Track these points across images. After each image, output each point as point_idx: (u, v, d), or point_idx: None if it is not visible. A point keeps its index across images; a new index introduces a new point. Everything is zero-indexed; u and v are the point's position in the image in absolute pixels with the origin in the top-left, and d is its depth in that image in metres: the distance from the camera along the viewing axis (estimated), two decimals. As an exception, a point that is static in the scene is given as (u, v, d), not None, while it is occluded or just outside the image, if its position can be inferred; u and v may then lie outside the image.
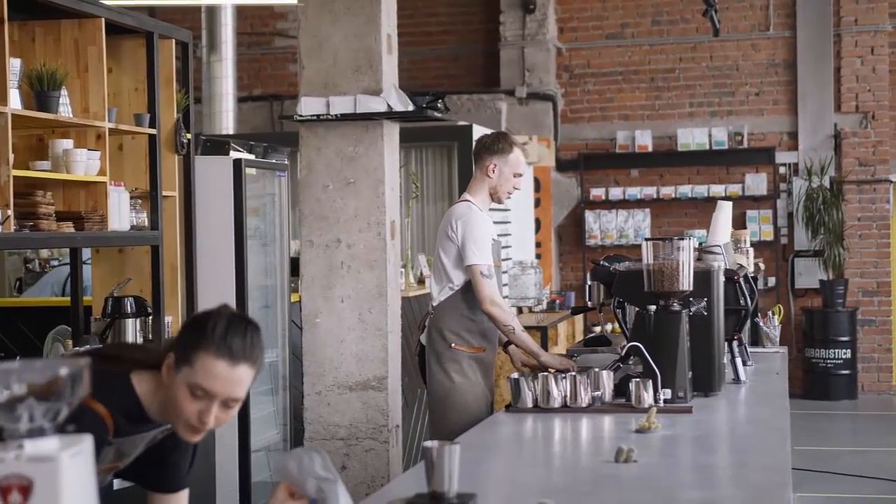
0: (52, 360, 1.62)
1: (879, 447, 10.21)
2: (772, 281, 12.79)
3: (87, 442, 1.80)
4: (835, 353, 12.46)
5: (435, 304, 5.40)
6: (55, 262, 9.22)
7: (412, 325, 7.40)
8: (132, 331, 5.50)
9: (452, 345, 5.31)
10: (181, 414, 2.63)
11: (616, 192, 13.12)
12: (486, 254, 5.25)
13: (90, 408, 2.64)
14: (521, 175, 5.46)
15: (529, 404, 4.34)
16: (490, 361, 5.45)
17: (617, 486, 3.12)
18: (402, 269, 7.80)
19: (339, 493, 2.51)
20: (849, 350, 12.48)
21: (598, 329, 12.55)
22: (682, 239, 4.48)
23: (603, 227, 13.17)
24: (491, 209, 9.31)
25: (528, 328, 9.40)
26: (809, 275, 12.80)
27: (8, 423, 1.75)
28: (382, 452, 5.74)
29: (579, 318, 11.35)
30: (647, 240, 4.53)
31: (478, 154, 5.49)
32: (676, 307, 4.47)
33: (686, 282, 4.45)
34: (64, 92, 5.09)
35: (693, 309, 4.53)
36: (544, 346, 9.27)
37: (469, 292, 5.31)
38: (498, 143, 5.43)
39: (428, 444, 2.73)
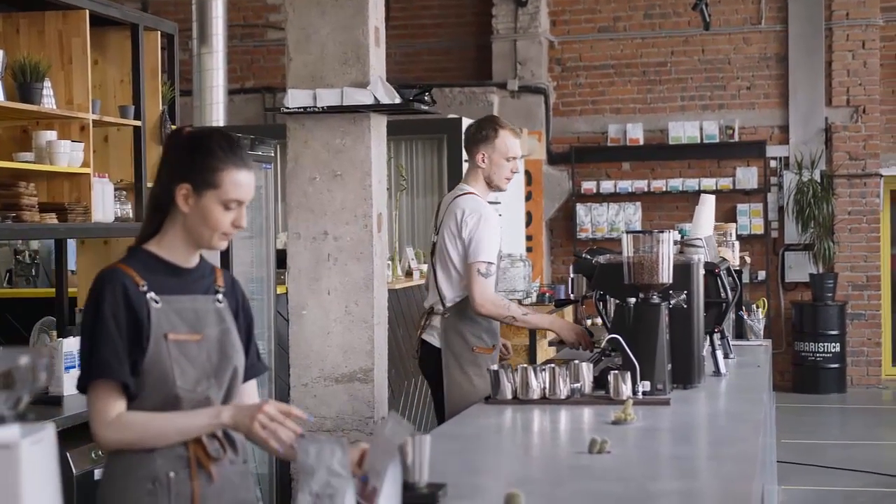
0: (11, 349, 1.65)
1: (868, 440, 10.25)
2: (762, 274, 12.82)
3: (48, 430, 1.82)
4: (824, 346, 12.49)
5: (448, 303, 5.24)
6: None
7: (399, 318, 7.42)
8: (116, 322, 5.50)
9: (474, 348, 5.20)
10: (217, 228, 2.90)
11: (607, 186, 13.14)
12: (490, 252, 5.12)
13: (108, 269, 2.89)
14: (514, 158, 5.30)
15: (509, 396, 4.35)
16: (496, 357, 5.39)
17: (588, 476, 3.14)
18: (390, 262, 7.82)
19: (347, 493, 2.53)
20: (838, 344, 12.52)
21: (588, 322, 12.58)
22: (663, 232, 4.49)
23: (594, 220, 13.20)
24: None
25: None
26: (799, 268, 12.83)
27: (-32, 411, 1.77)
28: (369, 444, 5.75)
29: (569, 310, 11.37)
30: (627, 232, 4.54)
31: (466, 145, 5.39)
32: (656, 300, 4.48)
33: (666, 274, 4.46)
34: (47, 83, 5.10)
35: (673, 302, 4.55)
36: (532, 339, 9.27)
37: None
38: (482, 131, 5.30)
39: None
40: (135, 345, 2.83)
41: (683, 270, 4.63)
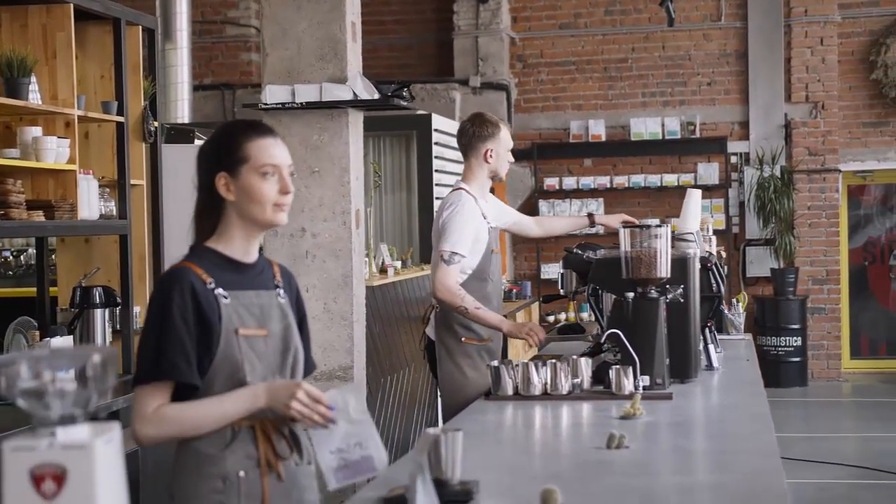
0: (83, 347, 1.61)
1: (831, 433, 10.34)
2: (724, 269, 12.88)
3: (116, 429, 1.78)
4: (786, 340, 12.59)
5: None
6: (7, 253, 9.09)
7: (375, 315, 7.38)
8: (101, 321, 5.42)
9: (462, 339, 5.25)
10: (264, 200, 2.88)
11: (570, 182, 13.17)
12: (457, 242, 5.16)
13: (175, 268, 2.89)
14: (510, 148, 5.51)
15: (510, 392, 4.33)
16: (497, 349, 5.39)
17: (615, 471, 3.12)
18: (366, 259, 7.77)
19: (373, 435, 2.51)
20: (799, 338, 12.63)
21: (551, 319, 12.61)
22: (660, 226, 4.49)
23: (557, 216, 13.20)
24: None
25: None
26: (760, 263, 12.93)
27: (39, 411, 1.72)
28: (349, 442, 5.71)
29: (535, 307, 11.39)
30: (624, 227, 4.53)
31: (469, 144, 5.43)
32: (654, 294, 4.48)
33: (664, 269, 4.46)
34: (33, 79, 5.01)
35: (670, 296, 4.54)
36: (504, 337, 9.23)
37: (472, 283, 5.23)
38: (486, 128, 5.39)
39: (431, 430, 2.73)
40: (203, 345, 2.81)
41: (680, 265, 4.63)
